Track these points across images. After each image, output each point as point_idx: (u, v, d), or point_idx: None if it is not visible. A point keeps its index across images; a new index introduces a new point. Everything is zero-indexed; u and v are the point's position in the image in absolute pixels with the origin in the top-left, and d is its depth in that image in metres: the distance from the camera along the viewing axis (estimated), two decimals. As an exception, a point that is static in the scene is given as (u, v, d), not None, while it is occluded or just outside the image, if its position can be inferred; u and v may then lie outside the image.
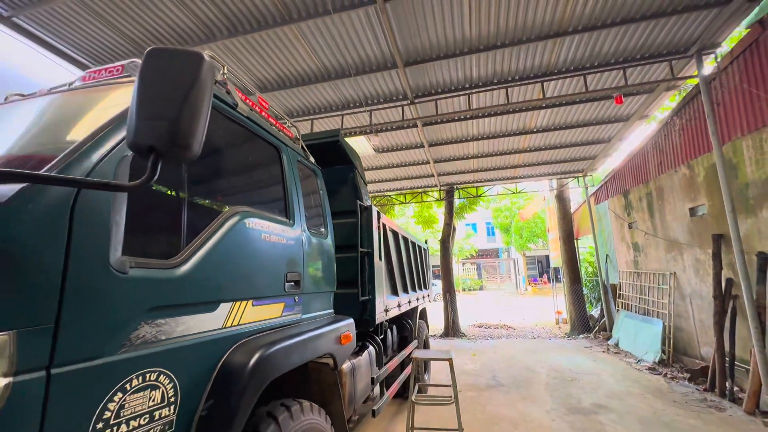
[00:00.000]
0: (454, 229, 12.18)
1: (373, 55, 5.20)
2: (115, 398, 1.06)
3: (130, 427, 1.10)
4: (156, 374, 1.19)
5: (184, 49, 1.10)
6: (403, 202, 13.44)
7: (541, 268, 31.18)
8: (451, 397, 2.95)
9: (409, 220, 21.19)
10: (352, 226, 3.26)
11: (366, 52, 5.13)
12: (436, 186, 11.54)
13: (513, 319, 13.46)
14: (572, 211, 11.68)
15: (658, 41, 5.00)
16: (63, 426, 0.94)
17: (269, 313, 1.86)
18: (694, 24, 4.69)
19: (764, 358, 4.30)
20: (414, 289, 5.12)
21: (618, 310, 8.90)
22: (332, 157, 3.41)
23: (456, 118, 6.90)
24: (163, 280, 1.25)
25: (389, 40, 4.77)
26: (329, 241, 2.69)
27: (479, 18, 4.54)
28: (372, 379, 3.02)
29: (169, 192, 1.80)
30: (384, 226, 3.78)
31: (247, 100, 2.15)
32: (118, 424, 1.07)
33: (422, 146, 8.24)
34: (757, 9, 4.48)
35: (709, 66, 5.30)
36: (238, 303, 1.61)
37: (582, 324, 10.13)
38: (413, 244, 5.43)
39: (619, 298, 8.96)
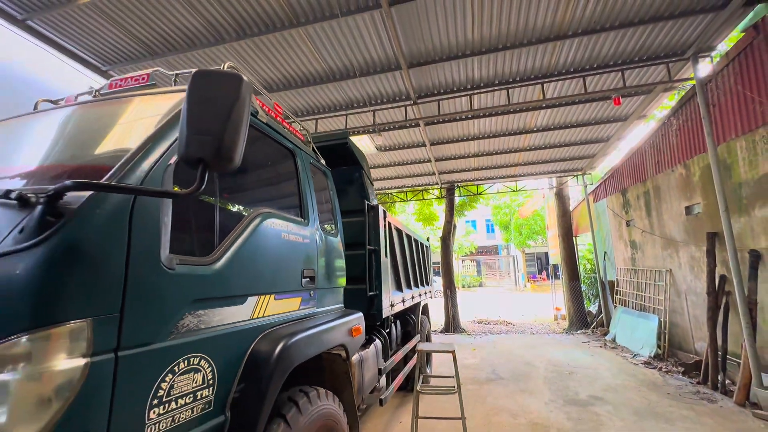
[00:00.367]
0: (455, 226, 12.33)
1: (377, 57, 5.32)
2: (167, 379, 1.21)
3: (178, 405, 1.25)
4: (198, 359, 1.34)
5: (226, 71, 1.24)
6: (404, 200, 13.58)
7: (540, 265, 31.36)
8: (454, 386, 3.11)
9: (409, 217, 21.32)
10: (360, 225, 3.41)
11: (371, 54, 5.25)
12: (437, 184, 11.68)
13: (512, 316, 13.63)
14: (571, 208, 11.83)
15: (656, 44, 5.13)
16: (128, 400, 1.09)
17: (288, 306, 2.01)
18: (690, 28, 4.82)
19: (754, 352, 4.47)
20: (417, 285, 5.27)
21: (615, 307, 9.08)
22: (340, 157, 3.55)
23: (458, 118, 7.02)
24: (202, 276, 1.40)
25: (394, 43, 4.89)
26: (339, 239, 2.83)
27: (481, 22, 4.67)
28: (379, 370, 3.18)
29: (202, 197, 1.94)
30: (389, 224, 3.93)
31: (264, 107, 2.28)
32: (170, 402, 1.22)
33: (424, 145, 8.37)
34: (751, 14, 4.60)
35: (705, 67, 5.43)
36: (263, 297, 1.76)
37: (580, 320, 10.31)
38: (416, 241, 5.58)
39: (616, 294, 9.14)
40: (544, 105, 6.56)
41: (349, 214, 3.36)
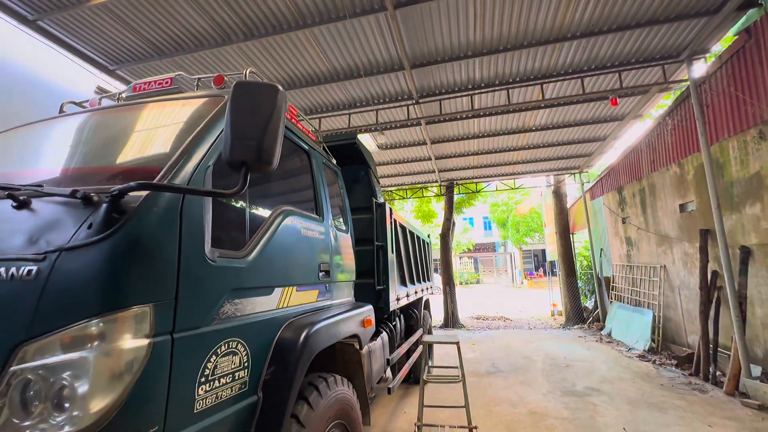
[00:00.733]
0: (454, 223, 12.49)
1: (381, 58, 5.44)
2: (212, 360, 1.35)
3: (220, 383, 1.38)
4: (235, 343, 1.47)
5: (264, 82, 1.37)
6: (403, 197, 13.71)
7: (537, 262, 31.67)
8: (458, 376, 3.26)
9: (408, 214, 21.48)
10: (367, 222, 3.54)
11: (375, 55, 5.37)
12: (436, 181, 11.82)
13: (509, 312, 13.84)
14: (568, 206, 12.03)
15: (652, 46, 5.28)
16: (182, 377, 1.22)
17: (308, 298, 2.15)
18: (685, 31, 4.97)
19: (744, 345, 4.66)
20: (419, 281, 5.42)
21: (611, 302, 9.28)
22: (348, 156, 3.68)
23: (459, 117, 7.16)
24: (238, 268, 1.53)
25: (398, 44, 5.01)
26: (350, 236, 2.97)
27: (483, 24, 4.79)
28: (387, 360, 3.32)
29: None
30: (395, 221, 4.07)
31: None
32: (214, 380, 1.35)
33: (425, 143, 8.51)
34: (744, 18, 4.76)
35: (699, 69, 5.58)
36: (287, 288, 1.90)
37: (577, 315, 10.52)
38: (418, 238, 5.73)
39: (612, 290, 9.34)
40: (543, 105, 6.71)
41: (357, 211, 3.49)
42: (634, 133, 8.65)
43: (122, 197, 1.15)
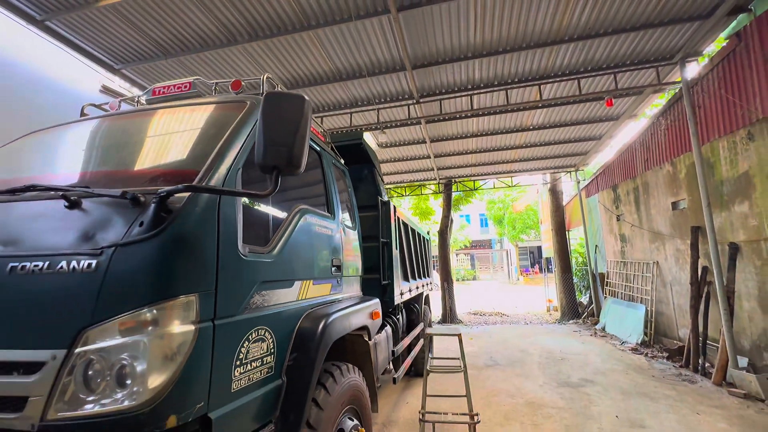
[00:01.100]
0: (452, 220, 12.66)
1: (383, 59, 5.55)
2: (245, 345, 1.48)
3: (252, 367, 1.52)
4: (263, 331, 1.61)
5: (292, 93, 1.49)
6: (402, 195, 13.85)
7: (533, 258, 32.00)
8: (460, 366, 3.42)
9: (406, 211, 21.63)
10: (372, 219, 3.68)
11: (377, 56, 5.48)
12: (435, 179, 11.97)
13: (506, 308, 14.07)
14: (564, 203, 12.23)
15: (646, 49, 5.44)
16: (222, 360, 1.36)
17: (322, 291, 2.29)
18: (678, 35, 5.13)
19: (731, 337, 4.86)
20: (420, 277, 5.57)
21: (605, 297, 9.50)
22: (354, 156, 3.80)
23: (458, 116, 7.29)
24: (264, 263, 1.67)
25: (400, 46, 5.13)
26: (357, 232, 3.11)
27: (483, 27, 4.92)
28: (392, 352, 3.48)
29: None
30: (398, 218, 4.20)
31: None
32: (247, 363, 1.49)
33: (424, 142, 8.64)
34: (734, 23, 4.93)
35: (692, 71, 5.76)
36: (305, 282, 2.04)
37: (572, 310, 10.75)
38: (419, 235, 5.88)
39: (606, 285, 9.56)
40: (540, 105, 6.86)
41: (363, 209, 3.62)
42: (629, 131, 8.85)
43: (168, 198, 1.28)
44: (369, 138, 7.47)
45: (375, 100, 6.66)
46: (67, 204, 1.36)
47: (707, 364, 5.41)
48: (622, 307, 8.40)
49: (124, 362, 1.15)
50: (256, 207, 1.76)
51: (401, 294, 3.99)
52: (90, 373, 1.15)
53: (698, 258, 5.88)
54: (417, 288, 5.16)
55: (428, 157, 9.73)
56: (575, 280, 11.63)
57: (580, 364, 6.17)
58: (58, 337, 1.16)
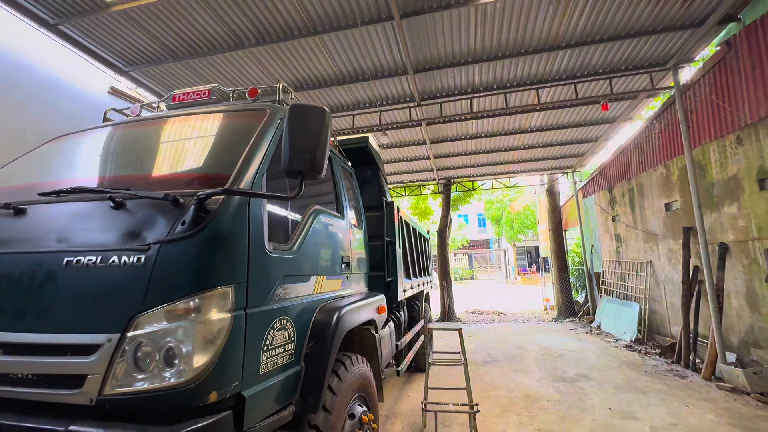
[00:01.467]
0: (451, 220, 12.84)
1: (386, 63, 5.71)
2: (270, 332, 1.64)
3: (276, 352, 1.68)
4: (285, 320, 1.77)
5: (314, 105, 1.65)
6: (401, 195, 14.01)
7: (530, 258, 32.24)
8: (460, 360, 3.59)
9: (405, 211, 21.77)
10: (377, 219, 3.84)
11: (380, 60, 5.64)
12: (434, 180, 12.14)
13: (503, 306, 14.27)
14: (561, 204, 12.43)
15: (641, 55, 5.62)
16: (252, 345, 1.51)
17: (334, 286, 2.45)
18: (671, 42, 5.31)
19: (720, 334, 5.05)
20: (421, 275, 5.74)
21: (601, 296, 9.71)
22: (359, 158, 3.96)
23: (458, 119, 7.46)
24: (286, 259, 1.83)
25: (402, 51, 5.29)
26: (364, 232, 3.27)
27: (483, 34, 5.09)
28: (396, 345, 3.64)
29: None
30: (402, 218, 4.37)
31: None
32: (272, 349, 1.65)
33: (424, 143, 8.81)
34: (724, 31, 5.12)
35: (685, 76, 5.95)
36: (319, 277, 2.19)
37: (568, 309, 10.95)
38: (420, 234, 6.04)
39: (602, 284, 9.77)
40: (538, 108, 7.04)
41: (368, 209, 3.77)
42: (624, 134, 9.05)
43: (207, 200, 1.44)
44: (372, 140, 7.64)
45: (377, 102, 6.82)
46: (113, 205, 1.51)
47: (697, 360, 5.60)
48: (617, 305, 8.60)
49: (171, 344, 1.30)
50: (278, 207, 1.92)
51: (404, 291, 4.15)
52: (141, 354, 1.30)
53: (690, 258, 6.08)
54: (418, 286, 5.32)
55: (428, 157, 9.90)
56: (572, 279, 11.83)
57: (575, 360, 6.35)
58: (112, 323, 1.31)
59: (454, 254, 32.01)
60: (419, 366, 5.58)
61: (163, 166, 1.95)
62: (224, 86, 2.62)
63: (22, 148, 4.76)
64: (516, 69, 5.91)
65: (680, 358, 5.89)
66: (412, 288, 4.76)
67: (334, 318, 2.09)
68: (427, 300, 6.58)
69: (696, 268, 5.97)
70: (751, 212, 4.84)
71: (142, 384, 1.29)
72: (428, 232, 7.41)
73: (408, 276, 4.68)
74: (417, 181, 12.43)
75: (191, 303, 1.34)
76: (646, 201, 7.58)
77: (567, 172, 11.42)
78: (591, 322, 9.68)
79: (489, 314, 12.50)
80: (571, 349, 7.19)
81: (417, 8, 4.61)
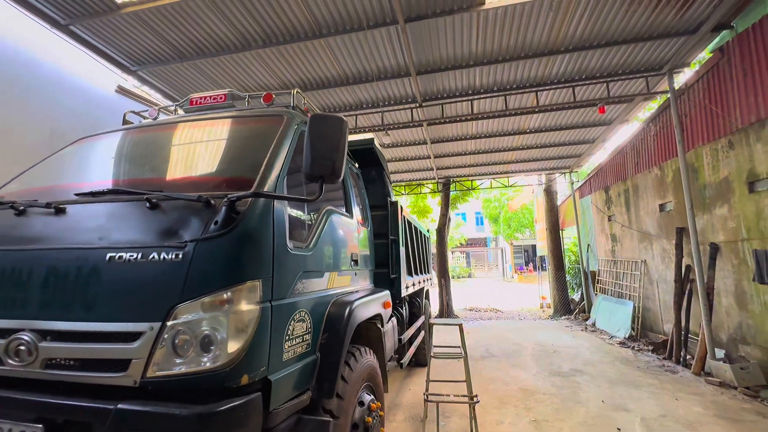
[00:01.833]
0: (449, 219, 13.00)
1: (389, 65, 5.84)
2: (291, 323, 1.79)
3: (296, 342, 1.83)
4: (304, 312, 1.91)
5: (334, 115, 1.79)
6: (400, 193, 14.15)
7: (527, 257, 32.51)
8: (460, 353, 3.75)
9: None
10: (381, 218, 3.98)
11: (383, 63, 5.77)
12: (434, 179, 12.29)
13: (501, 304, 14.47)
14: (558, 204, 12.62)
15: (637, 60, 5.78)
16: (277, 334, 1.66)
17: (344, 282, 2.59)
18: (666, 48, 5.47)
19: (710, 331, 5.25)
20: (422, 272, 5.89)
21: (596, 294, 9.91)
22: (365, 159, 4.10)
23: (459, 120, 7.60)
24: (304, 256, 1.97)
25: (406, 54, 5.42)
26: (370, 230, 3.42)
27: (485, 38, 5.23)
28: (399, 339, 3.79)
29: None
30: (404, 217, 4.51)
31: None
32: (292, 339, 1.79)
33: (425, 143, 8.95)
34: (718, 38, 5.28)
35: (679, 81, 6.11)
36: (332, 273, 2.34)
37: (564, 307, 11.16)
38: (420, 232, 6.19)
39: (597, 283, 9.97)
40: (537, 110, 7.19)
41: (373, 208, 3.92)
42: (621, 135, 9.22)
43: (237, 201, 1.58)
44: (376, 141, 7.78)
45: (380, 103, 6.95)
46: (149, 205, 1.65)
47: (688, 356, 5.79)
48: (612, 303, 8.80)
49: (207, 332, 1.45)
50: (295, 208, 2.06)
51: (406, 288, 4.30)
52: (179, 340, 1.44)
53: (682, 257, 6.26)
54: (419, 283, 5.48)
55: (428, 157, 10.04)
56: (568, 277, 12.04)
57: (570, 356, 6.54)
58: (153, 313, 1.46)
59: (452, 252, 32.22)
60: (419, 361, 5.74)
61: (190, 169, 2.08)
62: (238, 90, 2.75)
63: (33, 146, 4.89)
64: (516, 72, 6.06)
65: (672, 354, 6.09)
66: (414, 285, 4.92)
67: (347, 311, 2.23)
68: (427, 297, 6.73)
69: (688, 267, 6.16)
70: (741, 214, 5.02)
71: (180, 367, 1.43)
72: (428, 231, 7.56)
73: (410, 273, 4.83)
74: (416, 179, 12.58)
75: (224, 295, 1.48)
76: (641, 202, 7.76)
77: (564, 173, 11.60)
78: (586, 319, 9.88)
79: (486, 312, 12.70)
80: (566, 345, 7.38)
81: (421, 13, 4.74)
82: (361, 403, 2.41)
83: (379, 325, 3.02)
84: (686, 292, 6.14)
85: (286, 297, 1.77)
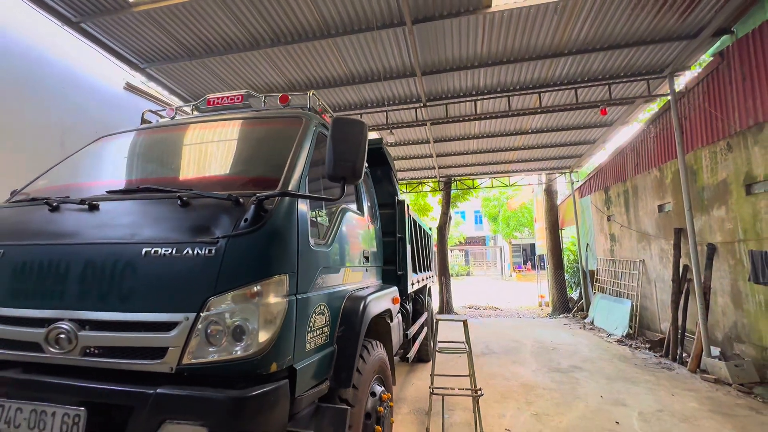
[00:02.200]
0: (450, 217, 13.11)
1: (395, 65, 5.92)
2: (313, 315, 1.88)
3: (316, 333, 1.92)
4: (323, 306, 2.01)
5: (354, 118, 1.87)
6: (401, 192, 14.25)
7: (525, 255, 32.68)
8: (464, 348, 3.86)
9: (403, 207, 21.96)
10: (390, 216, 4.08)
11: (389, 63, 5.85)
12: (435, 177, 12.39)
13: (499, 302, 14.61)
14: (558, 203, 12.74)
15: (638, 63, 5.88)
16: (301, 326, 1.76)
17: (357, 278, 2.69)
18: (668, 52, 5.57)
19: (706, 329, 5.38)
20: (425, 270, 6.00)
21: (594, 293, 10.05)
22: (374, 159, 4.18)
23: (462, 119, 7.69)
24: (324, 252, 2.07)
25: (412, 54, 5.50)
26: (379, 228, 3.51)
27: (490, 40, 5.32)
28: (405, 334, 3.90)
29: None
30: (410, 216, 4.61)
31: (327, 120, 2.89)
32: (314, 330, 1.89)
33: (428, 142, 9.05)
34: (718, 42, 5.38)
35: (680, 84, 6.21)
36: (346, 269, 2.44)
37: (562, 305, 11.31)
38: (424, 230, 6.29)
39: (596, 282, 10.11)
40: (539, 111, 7.29)
41: (381, 207, 4.01)
42: (621, 137, 9.34)
43: (265, 200, 1.67)
44: (375, 137, 7.86)
45: (385, 102, 7.03)
46: (180, 203, 1.74)
47: (684, 354, 5.93)
48: (610, 302, 8.94)
49: (239, 323, 1.54)
50: (314, 207, 2.15)
51: (412, 284, 4.40)
52: (212, 330, 1.54)
53: (680, 257, 6.39)
54: (423, 280, 5.58)
55: (430, 156, 10.14)
56: (566, 276, 12.18)
57: (569, 353, 6.67)
58: (188, 304, 1.55)
59: (451, 251, 32.28)
60: (421, 357, 5.85)
61: (215, 168, 2.18)
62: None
63: (46, 142, 4.96)
64: (520, 73, 6.15)
65: (668, 352, 6.22)
66: (418, 282, 5.02)
67: (361, 306, 2.33)
68: (429, 294, 6.85)
69: (685, 267, 6.29)
70: (738, 215, 5.14)
71: (213, 355, 1.52)
72: (430, 229, 7.67)
73: (415, 270, 4.93)
74: (418, 178, 12.68)
75: (255, 288, 1.57)
76: (640, 202, 7.88)
77: (565, 173, 11.71)
78: (584, 318, 10.03)
79: (485, 309, 12.84)
80: (565, 342, 7.51)
81: (428, 15, 4.82)
82: (373, 394, 2.51)
83: (388, 320, 3.12)
84: (683, 292, 6.27)
85: (309, 291, 1.87)
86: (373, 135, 7.71)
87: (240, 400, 1.43)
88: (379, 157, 4.16)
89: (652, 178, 7.37)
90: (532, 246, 27.08)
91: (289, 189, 1.82)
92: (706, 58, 6.60)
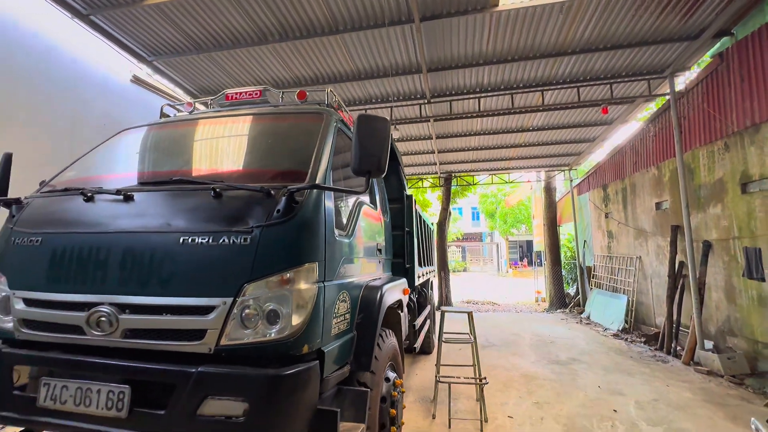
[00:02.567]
0: (450, 213, 13.23)
1: (401, 62, 5.99)
2: (337, 302, 1.99)
3: (340, 319, 2.03)
4: (345, 294, 2.12)
5: (378, 116, 1.96)
6: (402, 187, 14.32)
7: (522, 252, 32.97)
8: (468, 338, 4.00)
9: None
10: (398, 210, 4.18)
11: (396, 59, 5.92)
12: (436, 173, 12.49)
13: (497, 297, 14.82)
14: (557, 200, 12.90)
15: (640, 63, 5.99)
16: (329, 311, 1.86)
17: (371, 269, 2.80)
18: (669, 52, 5.68)
19: (700, 323, 5.55)
20: (428, 264, 6.12)
21: (591, 289, 10.24)
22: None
23: (466, 116, 7.78)
24: (346, 243, 2.17)
25: (418, 51, 5.57)
26: (388, 222, 3.62)
27: (496, 38, 5.40)
28: (413, 325, 4.02)
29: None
30: (416, 210, 4.71)
31: (343, 116, 2.97)
32: (338, 316, 2.00)
33: (430, 138, 9.13)
34: (718, 44, 5.50)
35: (680, 84, 6.34)
36: (363, 260, 2.54)
37: (560, 300, 11.51)
38: (427, 225, 6.41)
39: (593, 278, 10.30)
40: (542, 109, 7.39)
41: (390, 201, 4.11)
42: (620, 135, 9.47)
43: (296, 192, 1.77)
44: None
45: (389, 98, 7.10)
46: (214, 194, 1.83)
47: (678, 347, 6.11)
48: (606, 297, 9.13)
49: (273, 307, 1.65)
50: (336, 199, 2.25)
51: (418, 277, 4.52)
52: (248, 314, 1.64)
53: (676, 254, 6.55)
54: (426, 273, 5.71)
55: (432, 152, 10.23)
56: (564, 272, 12.37)
57: (567, 346, 6.84)
58: (226, 290, 1.65)
59: (448, 246, 32.55)
60: (424, 348, 5.97)
61: (243, 161, 2.26)
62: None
63: (57, 134, 5.01)
64: (524, 71, 6.24)
65: (663, 345, 6.41)
66: (423, 275, 5.14)
67: (378, 295, 2.44)
68: (432, 288, 6.98)
69: (681, 263, 6.46)
70: (734, 213, 5.29)
71: (249, 337, 1.63)
72: (432, 224, 7.79)
73: (420, 264, 5.04)
74: (418, 174, 12.77)
75: (287, 275, 1.68)
76: (638, 200, 8.04)
77: (564, 170, 11.85)
78: (581, 312, 10.23)
79: (483, 304, 13.02)
80: (562, 336, 7.69)
81: (436, 12, 4.89)
82: (387, 380, 2.63)
83: (398, 311, 3.23)
84: (679, 287, 6.44)
85: (334, 279, 1.98)
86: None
87: (278, 378, 1.54)
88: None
89: (650, 176, 7.52)
90: (529, 242, 27.35)
91: (317, 182, 1.91)
92: (705, 59, 6.76)
